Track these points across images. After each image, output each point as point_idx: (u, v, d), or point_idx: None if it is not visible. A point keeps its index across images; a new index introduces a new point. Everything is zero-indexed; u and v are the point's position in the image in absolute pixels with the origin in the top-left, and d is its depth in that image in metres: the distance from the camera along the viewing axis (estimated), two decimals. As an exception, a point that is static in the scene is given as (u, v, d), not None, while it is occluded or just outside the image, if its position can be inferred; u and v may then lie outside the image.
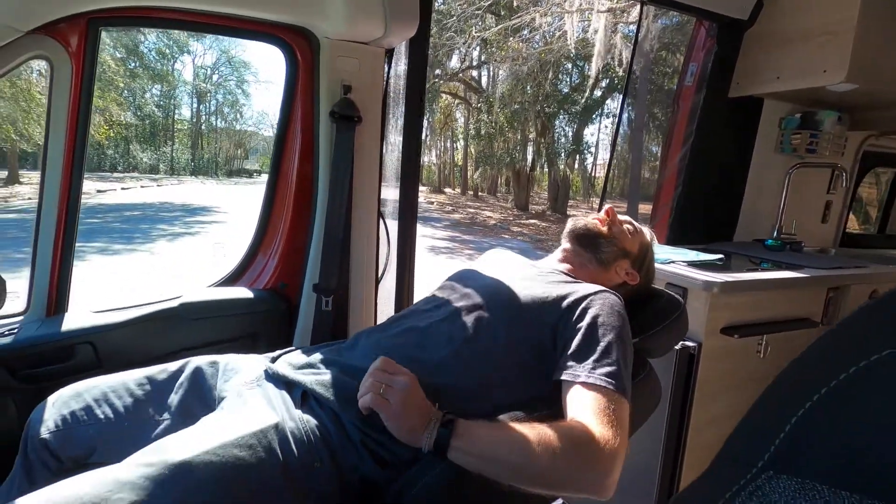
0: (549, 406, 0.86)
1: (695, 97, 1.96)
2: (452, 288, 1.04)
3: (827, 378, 0.26)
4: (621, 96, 14.03)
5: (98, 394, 0.91)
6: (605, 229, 1.11)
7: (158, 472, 0.67)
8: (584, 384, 0.80)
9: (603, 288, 0.97)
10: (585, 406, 0.78)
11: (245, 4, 1.24)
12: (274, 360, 0.98)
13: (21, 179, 15.39)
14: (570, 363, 0.84)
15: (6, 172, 15.37)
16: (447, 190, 25.27)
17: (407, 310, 1.07)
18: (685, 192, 1.97)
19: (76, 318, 1.23)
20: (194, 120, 30.25)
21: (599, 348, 0.84)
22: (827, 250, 2.26)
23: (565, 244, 1.14)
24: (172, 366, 0.98)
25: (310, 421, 0.81)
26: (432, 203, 17.66)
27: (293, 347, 1.06)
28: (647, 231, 1.19)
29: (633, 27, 9.84)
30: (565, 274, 1.07)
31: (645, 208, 10.67)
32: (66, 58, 1.16)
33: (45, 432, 0.87)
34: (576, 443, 0.73)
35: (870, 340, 0.26)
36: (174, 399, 0.93)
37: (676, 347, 1.38)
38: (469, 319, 0.93)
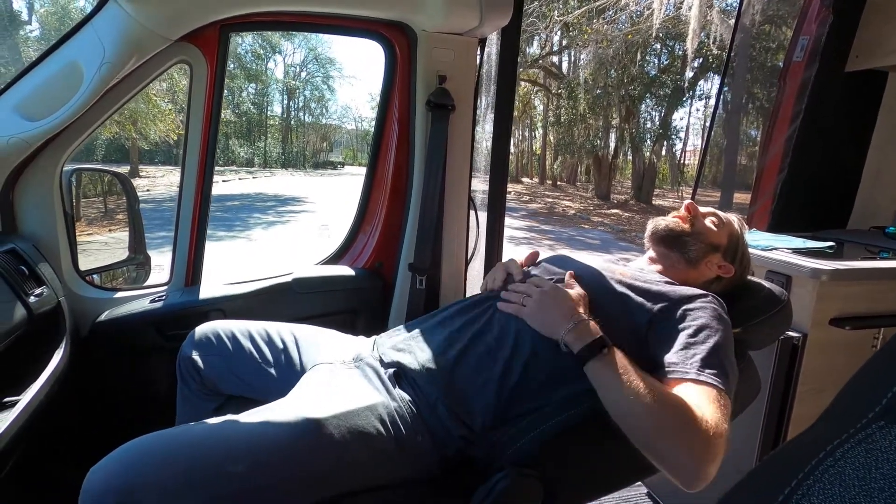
0: None
1: (805, 73, 1.81)
2: (546, 269, 1.07)
3: None
4: (716, 76, 13.01)
5: (228, 332, 1.12)
6: (687, 226, 1.07)
7: (297, 422, 0.80)
8: (694, 381, 0.81)
9: (703, 292, 0.95)
10: (698, 396, 0.79)
11: (350, 4, 1.34)
12: (370, 342, 1.08)
13: (140, 173, 17.28)
14: (677, 362, 0.85)
15: (128, 167, 17.32)
16: (524, 179, 24.93)
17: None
18: (792, 175, 1.84)
19: (210, 288, 1.42)
20: (284, 115, 32.17)
21: (705, 350, 0.84)
22: (962, 240, 2.01)
23: (649, 248, 1.13)
24: (284, 326, 1.16)
25: (406, 399, 0.90)
26: (510, 193, 17.35)
27: (387, 329, 1.15)
28: (735, 220, 1.14)
29: (731, 0, 9.11)
30: (660, 274, 1.05)
31: (740, 197, 9.88)
32: (203, 61, 1.33)
33: (189, 352, 1.10)
34: (692, 415, 0.74)
35: None
36: (281, 351, 1.10)
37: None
38: None
